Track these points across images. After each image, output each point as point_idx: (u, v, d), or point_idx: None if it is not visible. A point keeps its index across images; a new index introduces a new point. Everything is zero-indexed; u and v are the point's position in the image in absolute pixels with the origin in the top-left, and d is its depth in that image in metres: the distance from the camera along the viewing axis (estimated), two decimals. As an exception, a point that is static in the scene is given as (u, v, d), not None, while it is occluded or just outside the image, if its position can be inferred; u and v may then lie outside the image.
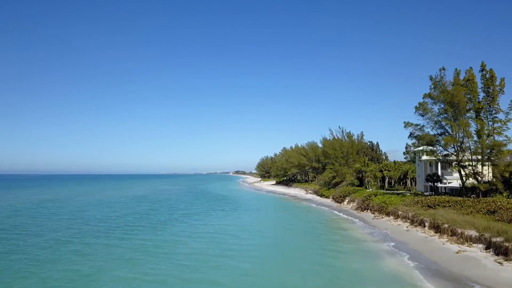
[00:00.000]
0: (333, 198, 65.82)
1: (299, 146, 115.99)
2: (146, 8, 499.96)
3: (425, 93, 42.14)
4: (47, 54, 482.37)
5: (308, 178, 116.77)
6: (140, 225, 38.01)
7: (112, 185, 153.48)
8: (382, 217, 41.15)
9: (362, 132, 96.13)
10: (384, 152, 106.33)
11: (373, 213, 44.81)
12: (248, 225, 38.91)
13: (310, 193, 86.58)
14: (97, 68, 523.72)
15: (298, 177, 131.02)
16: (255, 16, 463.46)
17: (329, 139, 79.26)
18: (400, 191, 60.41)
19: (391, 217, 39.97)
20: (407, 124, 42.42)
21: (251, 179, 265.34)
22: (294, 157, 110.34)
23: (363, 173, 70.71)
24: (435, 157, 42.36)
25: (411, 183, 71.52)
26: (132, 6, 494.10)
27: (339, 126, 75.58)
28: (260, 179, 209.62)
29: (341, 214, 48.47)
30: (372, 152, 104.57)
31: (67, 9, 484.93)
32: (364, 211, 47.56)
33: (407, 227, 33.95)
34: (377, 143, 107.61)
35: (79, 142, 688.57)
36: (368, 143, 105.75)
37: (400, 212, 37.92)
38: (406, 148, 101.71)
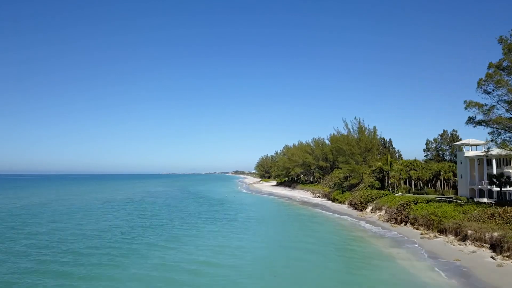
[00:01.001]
0: (350, 204, 53.73)
1: (304, 143, 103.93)
2: (146, 8, 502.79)
3: (492, 62, 30.17)
4: (47, 54, 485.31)
5: (313, 178, 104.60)
6: (93, 252, 25.82)
7: (105, 187, 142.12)
8: (436, 236, 29.04)
9: (375, 126, 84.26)
10: (398, 150, 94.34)
11: (417, 228, 32.72)
12: (247, 251, 26.72)
13: (319, 196, 74.46)
14: (97, 68, 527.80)
15: (302, 177, 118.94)
16: (255, 16, 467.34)
17: (344, 132, 67.07)
18: (436, 196, 48.52)
19: (451, 236, 27.87)
20: (469, 104, 30.08)
21: (250, 179, 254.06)
22: (298, 155, 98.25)
23: (385, 173, 58.69)
24: (509, 150, 29.96)
25: (443, 185, 59.51)
26: (132, 6, 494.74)
27: (355, 117, 63.55)
28: (259, 179, 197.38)
29: (370, 227, 36.41)
30: (385, 150, 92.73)
31: (67, 9, 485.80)
32: (401, 225, 35.47)
33: (492, 257, 21.86)
34: (390, 139, 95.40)
35: (79, 142, 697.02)
36: (380, 139, 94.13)
37: (469, 232, 25.77)
38: (426, 144, 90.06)
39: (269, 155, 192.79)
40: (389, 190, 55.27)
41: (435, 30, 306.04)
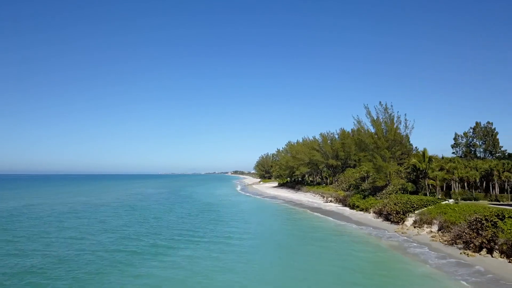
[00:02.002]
0: (379, 214, 40.82)
1: (310, 138, 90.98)
2: (146, 8, 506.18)
3: None
4: (47, 54, 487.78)
5: (321, 179, 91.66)
6: None
7: (96, 188, 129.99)
8: None
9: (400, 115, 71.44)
10: (415, 147, 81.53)
11: (519, 263, 19.90)
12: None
13: (331, 201, 61.50)
14: (97, 68, 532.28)
15: (307, 178, 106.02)
16: (255, 16, 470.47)
17: (366, 122, 53.77)
18: (499, 203, 35.79)
19: None
20: None
21: (249, 179, 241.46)
22: (303, 152, 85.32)
23: (418, 172, 45.79)
24: None
25: (496, 189, 46.46)
26: (132, 6, 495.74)
27: (380, 102, 50.35)
28: (259, 180, 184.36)
29: (430, 255, 23.61)
30: (401, 146, 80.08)
31: (67, 9, 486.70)
32: (483, 253, 22.60)
33: None
34: (407, 134, 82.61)
35: (79, 142, 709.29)
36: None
37: None
38: (455, 139, 77.12)
39: (269, 154, 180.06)
40: (425, 195, 42.44)
41: (435, 30, 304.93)
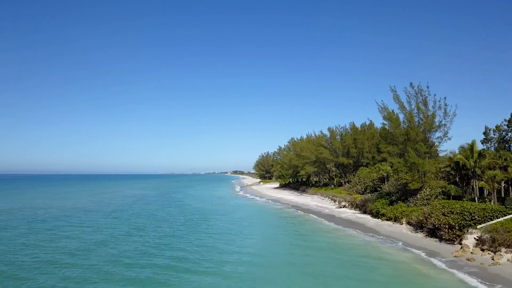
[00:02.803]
0: (417, 226, 30.81)
1: (317, 134, 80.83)
2: (146, 8, 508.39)
3: None
4: (47, 54, 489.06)
5: (328, 179, 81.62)
6: None
7: (85, 188, 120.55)
8: None
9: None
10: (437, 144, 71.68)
11: None
12: None
13: (345, 206, 51.43)
14: (97, 68, 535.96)
15: (312, 178, 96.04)
16: (255, 16, 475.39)
17: (393, 108, 43.30)
18: None
19: None
20: None
21: (248, 179, 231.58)
22: (309, 149, 75.24)
23: (465, 171, 35.72)
24: None
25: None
26: (132, 6, 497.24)
27: (411, 84, 40.02)
28: (259, 180, 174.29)
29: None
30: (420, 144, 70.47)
31: (67, 9, 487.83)
32: None
33: None
34: (446, 123, 72.65)
35: (79, 142, 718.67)
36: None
37: None
38: (485, 134, 67.02)
39: (270, 153, 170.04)
40: (473, 200, 32.50)
41: (435, 30, 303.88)
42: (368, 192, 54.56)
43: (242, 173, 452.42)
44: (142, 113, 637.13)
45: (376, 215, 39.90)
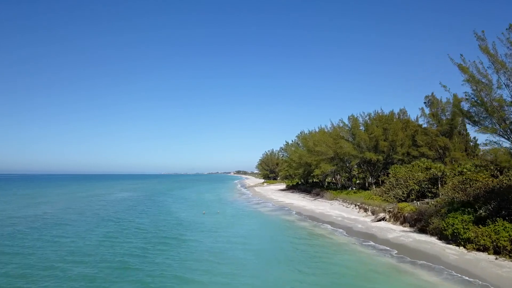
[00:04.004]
0: None
1: (334, 124, 65.42)
2: (146, 8, 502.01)
3: None
4: (47, 54, 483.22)
5: (349, 180, 66.40)
6: None
7: (68, 191, 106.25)
8: None
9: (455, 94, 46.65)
10: (474, 138, 56.64)
11: None
12: None
13: (384, 219, 36.11)
14: (97, 68, 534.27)
15: (327, 178, 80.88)
16: (254, 16, 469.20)
17: (479, 78, 28.25)
18: None
19: None
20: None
21: (251, 180, 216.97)
22: (326, 143, 60.03)
23: None
24: None
25: None
26: (133, 6, 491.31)
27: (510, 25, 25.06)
28: (263, 180, 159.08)
29: None
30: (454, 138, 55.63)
31: (67, 9, 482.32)
32: None
33: None
34: (462, 120, 57.40)
35: (81, 142, 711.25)
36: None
37: None
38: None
39: (274, 150, 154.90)
40: None
41: (435, 30, 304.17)
42: (414, 199, 39.46)
43: (245, 173, 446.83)
44: (145, 112, 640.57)
45: (450, 238, 24.77)
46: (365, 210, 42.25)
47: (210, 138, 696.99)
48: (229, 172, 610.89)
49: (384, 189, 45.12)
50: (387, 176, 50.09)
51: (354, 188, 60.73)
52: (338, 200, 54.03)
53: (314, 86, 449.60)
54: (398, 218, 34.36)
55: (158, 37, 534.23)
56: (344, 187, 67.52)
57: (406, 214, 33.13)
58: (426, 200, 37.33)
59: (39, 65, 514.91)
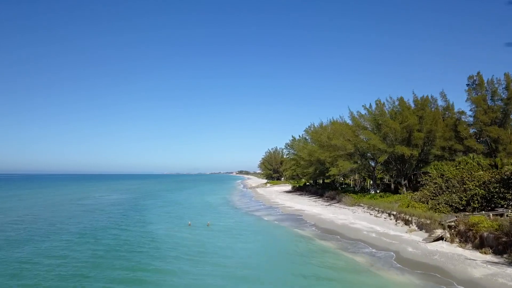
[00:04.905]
0: None
1: (353, 114, 53.98)
2: (146, 8, 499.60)
3: None
4: (47, 54, 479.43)
5: (372, 180, 55.36)
6: None
7: (55, 192, 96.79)
8: None
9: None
10: None
11: None
12: None
13: (443, 238, 25.01)
14: (97, 68, 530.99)
15: (337, 179, 69.74)
16: (254, 16, 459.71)
17: None
18: None
19: None
20: None
21: (253, 180, 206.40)
22: (345, 135, 48.85)
23: None
24: None
25: None
26: (133, 6, 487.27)
27: None
28: (266, 181, 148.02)
29: None
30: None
31: (67, 9, 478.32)
32: None
33: None
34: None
35: (82, 142, 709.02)
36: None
37: None
38: None
39: (278, 148, 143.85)
40: None
41: (435, 30, 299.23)
42: (477, 208, 28.33)
43: (247, 173, 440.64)
44: (145, 112, 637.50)
45: None
46: (406, 222, 31.11)
47: (210, 138, 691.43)
48: (232, 172, 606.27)
49: (428, 193, 33.96)
50: (423, 175, 39.02)
51: (378, 191, 49.66)
52: (361, 206, 42.91)
53: (314, 86, 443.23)
54: (469, 238, 23.24)
55: (158, 37, 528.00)
56: (363, 190, 56.48)
57: (484, 234, 22.02)
58: (500, 210, 26.30)
59: (39, 65, 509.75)
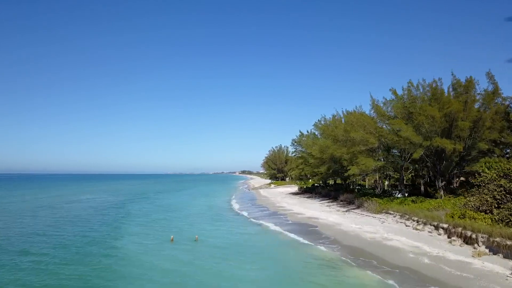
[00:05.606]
0: None
1: (375, 102, 45.30)
2: (146, 8, 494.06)
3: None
4: (47, 54, 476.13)
5: (398, 181, 46.80)
6: None
7: (48, 194, 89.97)
8: None
9: None
10: None
11: None
12: None
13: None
14: (97, 68, 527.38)
15: (358, 181, 61.11)
16: (254, 16, 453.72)
17: None
18: None
19: None
20: None
21: (256, 180, 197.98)
22: (366, 126, 40.29)
23: None
24: None
25: None
26: (133, 6, 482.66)
27: None
28: (269, 181, 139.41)
29: None
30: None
31: (67, 9, 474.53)
32: None
33: None
34: None
35: (82, 142, 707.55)
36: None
37: None
38: None
39: (283, 146, 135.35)
40: None
41: (435, 30, 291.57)
42: None
43: (250, 173, 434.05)
44: (145, 112, 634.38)
45: None
46: (467, 240, 22.52)
47: (210, 138, 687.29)
48: (234, 172, 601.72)
49: (490, 200, 25.35)
50: (475, 175, 30.39)
51: (407, 196, 41.04)
52: (390, 214, 34.32)
53: (314, 86, 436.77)
54: None
55: (158, 37, 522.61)
56: (384, 192, 47.86)
57: None
58: None
59: (39, 65, 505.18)
